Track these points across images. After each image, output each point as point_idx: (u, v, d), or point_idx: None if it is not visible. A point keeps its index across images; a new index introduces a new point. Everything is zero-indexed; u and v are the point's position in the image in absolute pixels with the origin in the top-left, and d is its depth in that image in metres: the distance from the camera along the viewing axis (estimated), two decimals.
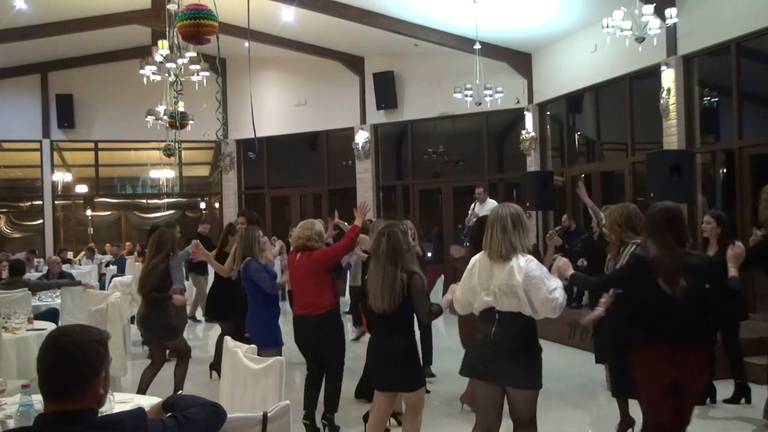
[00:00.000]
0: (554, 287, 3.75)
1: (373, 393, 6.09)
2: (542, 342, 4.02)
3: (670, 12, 8.58)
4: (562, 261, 4.13)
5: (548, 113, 13.65)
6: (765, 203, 5.07)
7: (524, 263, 3.75)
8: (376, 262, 4.38)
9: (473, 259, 4.02)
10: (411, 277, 4.27)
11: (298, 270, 5.50)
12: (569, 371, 7.43)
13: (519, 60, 13.38)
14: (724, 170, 10.11)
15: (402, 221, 4.54)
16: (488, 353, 3.84)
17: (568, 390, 6.77)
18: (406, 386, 4.46)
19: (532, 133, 13.42)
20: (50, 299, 8.41)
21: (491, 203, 11.48)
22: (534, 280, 3.71)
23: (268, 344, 5.55)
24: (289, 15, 12.60)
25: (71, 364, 2.11)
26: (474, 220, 11.13)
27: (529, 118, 13.53)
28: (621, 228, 4.95)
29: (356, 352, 7.43)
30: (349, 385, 6.01)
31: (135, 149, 18.61)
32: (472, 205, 11.55)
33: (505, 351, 3.79)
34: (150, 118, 11.88)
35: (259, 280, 5.72)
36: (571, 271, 4.12)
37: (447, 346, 7.48)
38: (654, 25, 8.29)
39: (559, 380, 6.88)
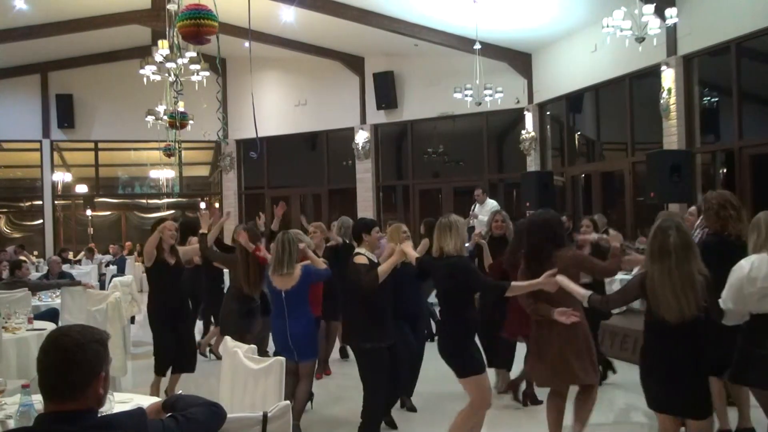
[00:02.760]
0: None
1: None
2: None
3: (670, 12, 8.58)
4: None
5: (548, 113, 13.65)
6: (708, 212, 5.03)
7: None
8: (661, 263, 3.65)
9: (747, 264, 3.84)
10: (707, 280, 3.63)
11: None
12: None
13: (519, 60, 13.38)
14: (724, 170, 10.12)
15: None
16: None
17: None
18: (694, 413, 3.71)
19: (532, 133, 13.42)
20: (50, 299, 8.40)
21: (491, 203, 11.48)
22: None
23: (314, 354, 5.54)
24: (289, 15, 12.60)
25: (71, 364, 2.11)
26: (474, 221, 11.14)
27: (529, 118, 13.53)
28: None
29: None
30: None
31: (135, 149, 18.62)
32: (473, 206, 11.55)
33: None
34: (150, 118, 11.88)
35: (321, 276, 5.60)
36: None
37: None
38: (654, 25, 8.29)
39: None
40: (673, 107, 9.91)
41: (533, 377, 5.02)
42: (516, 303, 4.91)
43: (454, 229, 4.49)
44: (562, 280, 4.15)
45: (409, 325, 5.69)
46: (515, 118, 14.07)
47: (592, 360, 4.57)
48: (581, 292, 4.09)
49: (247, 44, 10.98)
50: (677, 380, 3.63)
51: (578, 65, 12.04)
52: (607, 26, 8.33)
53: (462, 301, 4.47)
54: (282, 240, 5.36)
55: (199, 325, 9.21)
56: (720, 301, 3.83)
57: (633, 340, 7.31)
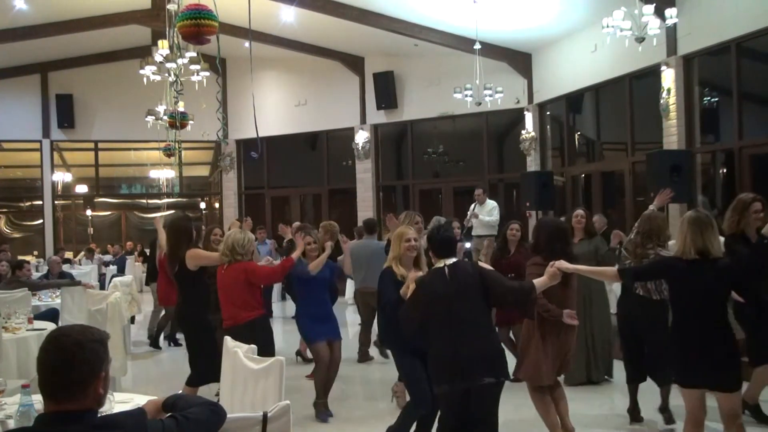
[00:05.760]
0: None
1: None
2: None
3: (670, 12, 8.58)
4: None
5: (548, 113, 13.65)
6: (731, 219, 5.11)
7: None
8: None
9: None
10: None
11: None
12: None
13: (519, 60, 13.38)
14: (724, 170, 10.12)
15: None
16: None
17: None
18: None
19: (532, 133, 13.42)
20: (50, 299, 8.41)
21: (490, 204, 11.48)
22: None
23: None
24: (289, 15, 12.60)
25: (71, 364, 2.11)
26: (474, 221, 11.14)
27: (529, 118, 13.53)
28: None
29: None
30: None
31: (135, 149, 18.62)
32: (472, 205, 11.56)
33: None
34: (150, 118, 11.88)
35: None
36: None
37: None
38: (654, 25, 8.29)
39: None
40: (673, 107, 9.91)
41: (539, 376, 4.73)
42: None
43: (715, 226, 3.82)
44: None
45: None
46: (515, 118, 14.06)
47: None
48: None
49: (247, 44, 10.97)
50: None
51: (578, 65, 12.03)
52: (607, 26, 8.33)
53: (725, 307, 3.86)
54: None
55: None
56: None
57: None
